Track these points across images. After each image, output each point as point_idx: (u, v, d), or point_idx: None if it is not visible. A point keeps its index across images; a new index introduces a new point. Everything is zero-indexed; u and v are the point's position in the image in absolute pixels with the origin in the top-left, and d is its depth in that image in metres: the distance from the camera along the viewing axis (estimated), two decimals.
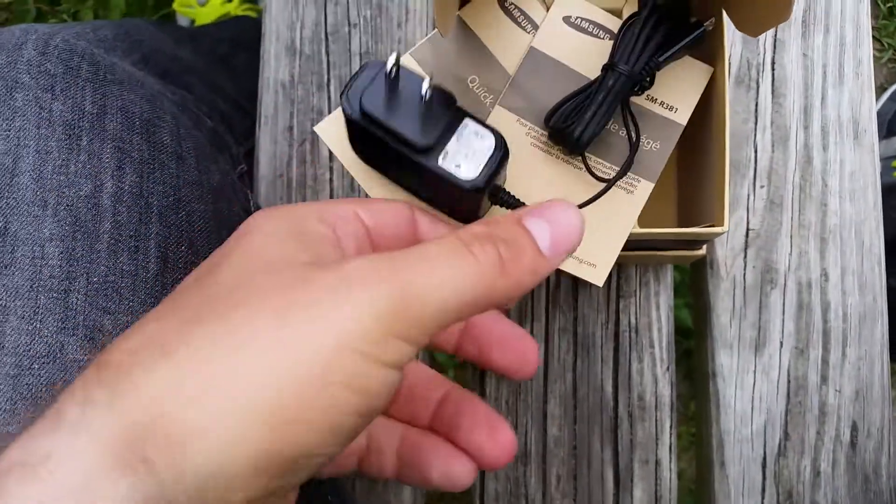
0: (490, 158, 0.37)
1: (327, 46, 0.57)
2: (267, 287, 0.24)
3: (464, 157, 0.37)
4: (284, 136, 0.56)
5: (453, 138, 0.37)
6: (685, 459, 0.98)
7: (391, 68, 0.37)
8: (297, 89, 0.56)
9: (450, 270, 0.24)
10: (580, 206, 0.40)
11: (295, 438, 0.22)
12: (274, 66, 0.57)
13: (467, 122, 0.38)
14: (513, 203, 0.40)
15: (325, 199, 0.30)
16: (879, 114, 1.08)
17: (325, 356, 0.22)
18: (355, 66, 0.56)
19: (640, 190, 0.43)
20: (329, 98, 0.56)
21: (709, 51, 0.45)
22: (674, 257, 0.50)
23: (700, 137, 0.46)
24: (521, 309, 0.53)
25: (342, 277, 0.23)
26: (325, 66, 0.57)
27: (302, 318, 0.23)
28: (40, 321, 0.35)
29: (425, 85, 0.36)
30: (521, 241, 0.26)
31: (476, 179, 0.37)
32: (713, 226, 0.42)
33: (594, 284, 0.42)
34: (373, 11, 0.57)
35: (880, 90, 1.09)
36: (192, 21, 1.02)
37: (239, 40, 0.85)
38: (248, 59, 0.83)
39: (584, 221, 0.28)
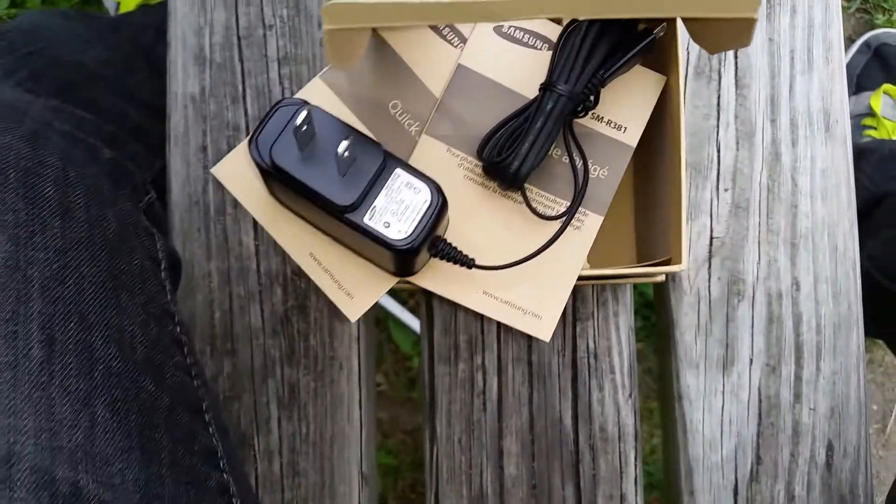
0: (425, 215, 0.33)
1: (240, 52, 0.50)
2: None
3: (393, 213, 0.33)
4: (198, 156, 0.50)
5: (381, 192, 0.33)
6: (657, 436, 0.96)
7: (301, 124, 0.32)
8: (210, 103, 0.50)
9: None
10: (524, 261, 0.36)
11: None
12: (181, 79, 0.51)
13: (398, 172, 0.33)
14: (455, 256, 0.35)
15: None
16: (848, 67, 1.03)
17: None
18: (273, 74, 0.50)
19: (588, 225, 0.38)
20: (245, 112, 0.50)
21: (661, 57, 0.40)
22: (632, 281, 0.46)
23: (654, 156, 0.41)
24: (471, 337, 0.49)
25: None
26: (238, 75, 0.50)
27: None
28: None
29: (342, 146, 0.31)
30: None
31: (409, 239, 0.33)
32: (669, 262, 0.38)
33: (540, 339, 0.38)
34: (290, 11, 0.51)
35: (848, 42, 1.04)
36: (118, 4, 0.94)
37: (163, 28, 0.78)
38: None
39: None
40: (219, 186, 0.50)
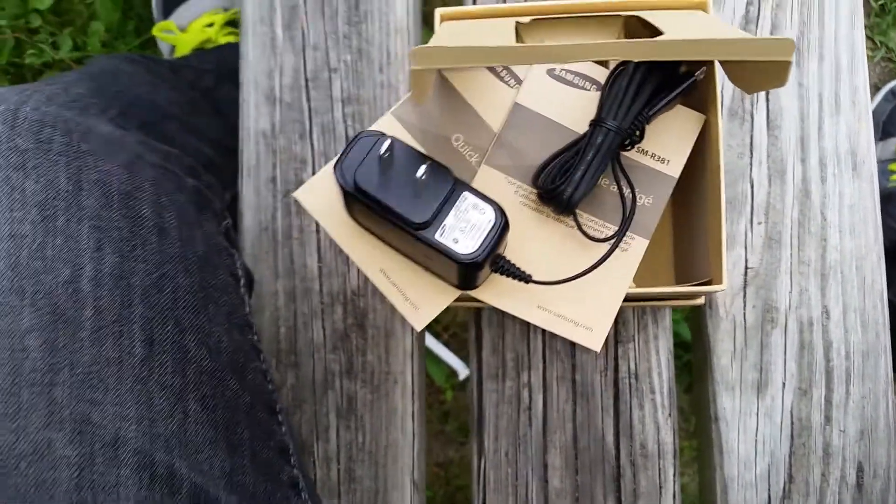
0: (489, 233, 0.37)
1: (308, 93, 0.55)
2: None
3: (461, 231, 0.36)
4: (268, 187, 0.55)
5: (451, 212, 0.37)
6: (688, 475, 0.98)
7: (384, 152, 0.36)
8: (279, 139, 0.55)
9: None
10: (578, 276, 0.39)
11: None
12: (254, 116, 0.55)
13: (466, 194, 0.37)
14: (514, 272, 0.39)
15: None
16: (874, 114, 1.07)
17: None
18: (337, 113, 0.55)
19: (634, 248, 0.42)
20: (312, 146, 0.55)
21: (701, 98, 0.43)
22: (672, 304, 0.49)
23: (694, 187, 0.44)
24: (518, 356, 0.52)
25: None
26: (306, 113, 0.55)
27: None
28: (24, 418, 0.34)
29: (421, 170, 0.35)
30: None
31: (475, 254, 0.36)
32: (710, 282, 0.41)
33: (591, 349, 0.41)
34: (353, 56, 0.55)
35: (874, 90, 1.08)
36: (173, 47, 1.00)
37: (222, 71, 0.84)
38: (233, 93, 0.81)
39: None
40: (286, 213, 0.54)
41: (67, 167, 0.40)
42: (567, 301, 0.40)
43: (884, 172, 1.04)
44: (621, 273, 0.41)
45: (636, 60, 0.38)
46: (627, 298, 0.42)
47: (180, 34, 1.00)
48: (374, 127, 0.43)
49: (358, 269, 0.52)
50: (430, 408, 1.06)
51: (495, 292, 0.40)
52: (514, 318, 0.52)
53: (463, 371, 1.02)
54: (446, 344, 1.04)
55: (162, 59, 0.88)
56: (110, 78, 0.59)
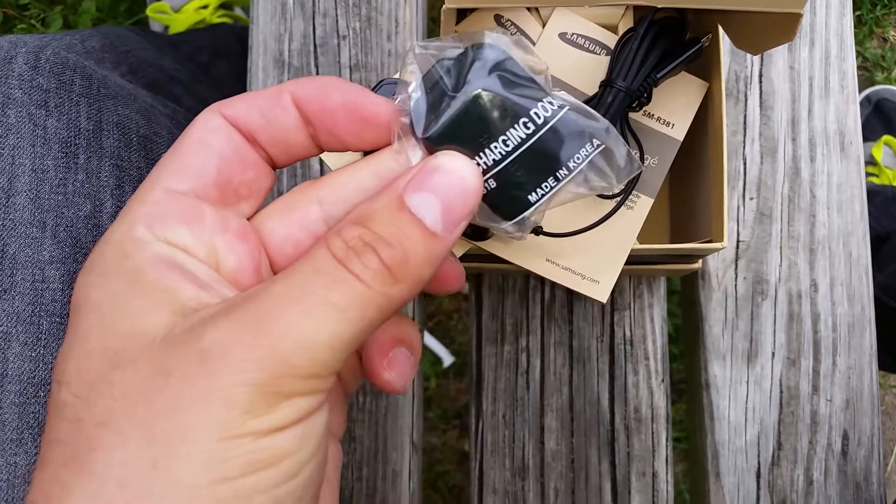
0: None
1: (316, 59, 0.56)
2: (121, 407, 0.20)
3: None
4: None
5: None
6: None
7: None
8: None
9: (329, 307, 0.20)
10: (586, 230, 0.40)
11: None
12: (262, 79, 0.56)
13: None
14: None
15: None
16: None
17: (210, 470, 0.19)
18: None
19: (640, 206, 0.43)
20: None
21: (705, 66, 0.45)
22: (668, 270, 0.51)
23: (695, 152, 0.46)
24: (517, 321, 0.53)
25: (203, 361, 0.20)
26: None
27: (172, 435, 0.19)
28: (43, 347, 0.34)
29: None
30: (406, 231, 0.22)
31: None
32: (711, 241, 0.42)
33: (598, 301, 0.42)
34: (362, 24, 0.56)
35: None
36: (166, 28, 1.01)
37: (218, 49, 0.84)
38: (228, 69, 0.81)
39: (478, 175, 0.24)
40: (292, 175, 0.55)
41: (89, 108, 0.40)
42: (574, 255, 0.41)
43: None
44: (627, 229, 0.42)
45: (658, 5, 0.39)
46: (630, 257, 0.43)
47: (174, 14, 1.00)
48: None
49: None
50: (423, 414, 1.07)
51: (506, 246, 0.41)
52: (513, 283, 0.53)
53: (447, 359, 1.03)
54: (431, 332, 1.04)
55: (160, 34, 0.88)
56: (119, 39, 0.59)
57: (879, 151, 1.07)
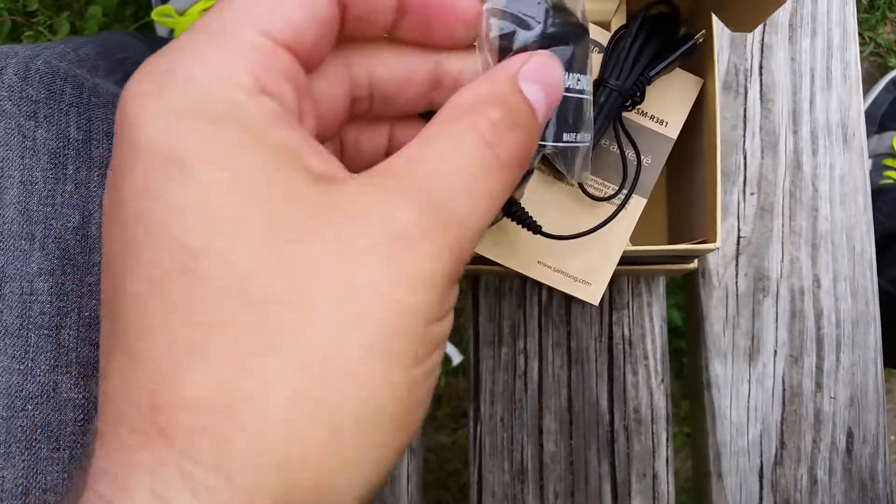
0: None
1: None
2: (266, 277, 0.18)
3: None
4: None
5: None
6: (679, 458, 0.98)
7: None
8: None
9: (493, 201, 0.21)
10: (586, 233, 0.40)
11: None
12: None
13: None
14: (525, 219, 0.39)
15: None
16: (873, 105, 1.08)
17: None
18: None
19: (632, 206, 0.42)
20: None
21: (698, 62, 0.44)
22: (665, 270, 0.50)
23: (689, 150, 0.45)
24: (514, 323, 0.53)
25: (395, 243, 0.19)
26: None
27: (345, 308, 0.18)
28: (31, 360, 0.35)
29: None
30: (529, 117, 0.22)
31: None
32: (705, 241, 0.42)
33: (589, 303, 0.42)
34: None
35: (865, 86, 1.09)
36: (171, 31, 1.01)
37: None
38: None
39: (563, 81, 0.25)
40: None
41: (78, 117, 0.40)
42: (566, 257, 0.41)
43: (877, 167, 1.05)
44: (619, 230, 0.42)
45: None
46: (624, 258, 0.43)
47: (178, 18, 1.01)
48: None
49: None
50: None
51: (497, 248, 0.41)
52: (510, 285, 0.53)
53: (456, 357, 1.02)
54: None
55: (164, 38, 0.88)
56: (116, 46, 0.60)
57: None
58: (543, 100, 0.23)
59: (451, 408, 1.02)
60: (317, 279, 0.18)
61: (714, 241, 0.41)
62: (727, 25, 0.42)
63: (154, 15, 1.02)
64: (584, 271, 0.41)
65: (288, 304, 0.18)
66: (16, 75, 0.39)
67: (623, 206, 0.41)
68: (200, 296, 0.18)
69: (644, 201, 0.42)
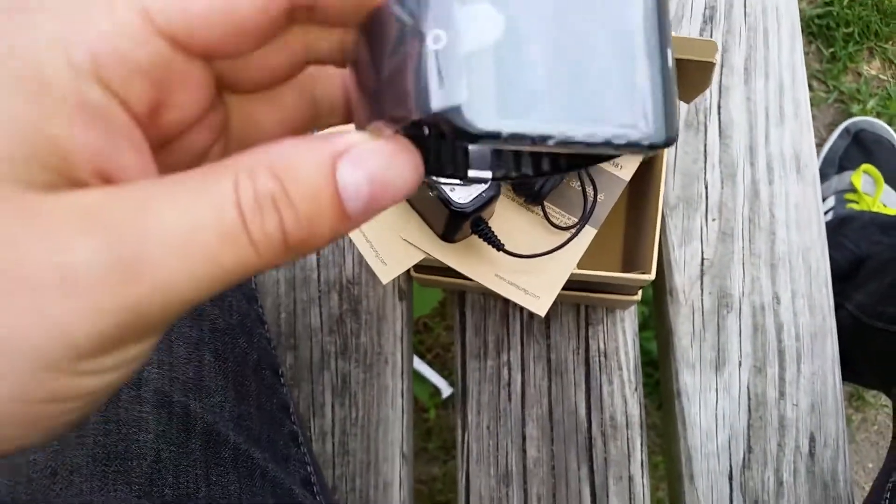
0: (482, 194, 0.42)
1: None
2: None
3: (458, 183, 0.42)
4: None
5: None
6: (661, 489, 1.01)
7: None
8: None
9: (215, 268, 0.17)
10: (543, 254, 0.45)
11: None
12: None
13: None
14: (490, 237, 0.44)
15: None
16: (831, 150, 1.15)
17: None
18: None
19: (584, 235, 0.47)
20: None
21: None
22: (610, 300, 0.54)
23: (642, 193, 0.51)
24: (498, 337, 0.57)
25: (65, 275, 0.16)
26: None
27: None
28: None
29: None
30: (323, 208, 0.18)
31: (466, 205, 0.42)
32: (643, 272, 0.47)
33: (536, 314, 0.46)
34: None
35: (829, 129, 1.16)
36: None
37: None
38: None
39: (420, 167, 0.19)
40: None
41: None
42: (521, 272, 0.46)
43: (840, 202, 1.11)
44: (570, 254, 0.46)
45: None
46: (573, 282, 0.48)
47: None
48: None
49: (353, 258, 0.57)
50: (414, 426, 1.10)
51: (462, 260, 0.46)
52: (494, 303, 0.57)
53: (446, 390, 1.06)
54: (430, 364, 1.08)
55: None
56: None
57: (859, 179, 1.11)
58: (367, 191, 0.18)
59: (441, 440, 1.05)
60: None
61: (649, 272, 0.46)
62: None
63: None
64: (535, 286, 0.46)
65: None
66: None
67: (577, 233, 0.46)
68: None
69: (594, 231, 0.47)
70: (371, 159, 0.18)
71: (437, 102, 0.16)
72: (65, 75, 0.17)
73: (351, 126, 0.21)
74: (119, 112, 0.18)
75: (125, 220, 0.17)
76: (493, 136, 0.17)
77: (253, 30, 0.18)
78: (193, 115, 0.20)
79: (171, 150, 0.21)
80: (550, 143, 0.17)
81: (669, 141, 0.18)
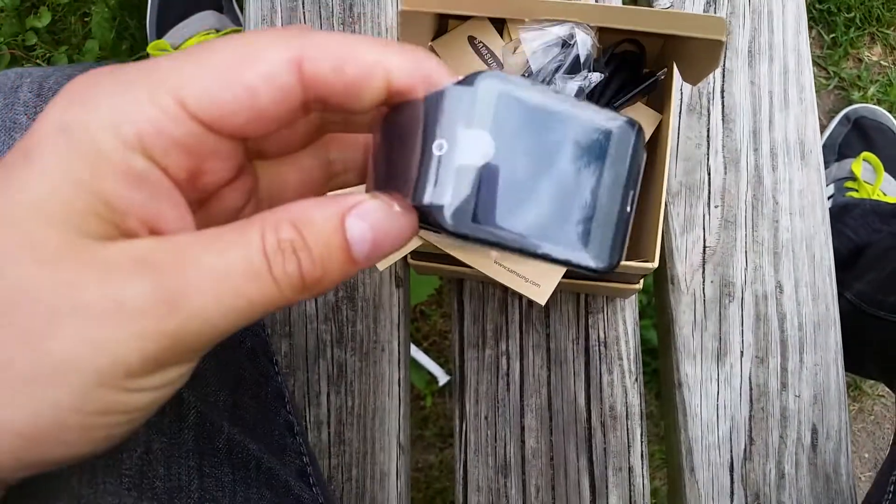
0: None
1: None
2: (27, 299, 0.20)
3: None
4: None
5: None
6: (658, 478, 1.01)
7: None
8: None
9: (242, 301, 0.21)
10: None
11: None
12: None
13: None
14: None
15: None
16: (830, 137, 1.14)
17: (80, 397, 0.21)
18: None
19: None
20: None
21: (659, 101, 0.49)
22: (611, 289, 0.53)
23: (645, 179, 0.49)
24: (497, 326, 0.56)
25: (110, 308, 0.20)
26: None
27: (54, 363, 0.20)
28: None
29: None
30: (333, 252, 0.22)
31: None
32: (646, 261, 0.45)
33: (536, 302, 0.45)
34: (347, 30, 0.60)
35: (829, 115, 1.15)
36: None
37: None
38: None
39: (415, 223, 0.23)
40: None
41: None
42: (520, 260, 0.45)
43: (840, 190, 1.10)
44: None
45: (592, 24, 0.43)
46: (574, 271, 0.46)
47: (173, 52, 1.05)
48: None
49: None
50: (410, 414, 1.09)
51: (462, 249, 0.44)
52: (493, 291, 0.56)
53: (443, 378, 1.05)
54: (426, 351, 1.07)
55: None
56: None
57: (859, 167, 1.10)
58: (370, 241, 0.22)
59: (437, 428, 1.04)
60: (34, 302, 0.20)
61: (652, 260, 0.44)
62: (681, 75, 0.46)
63: (150, 49, 1.06)
64: (536, 274, 0.45)
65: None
66: (30, 92, 0.43)
67: None
68: None
69: None
70: (374, 213, 0.22)
71: (427, 198, 0.21)
72: (116, 148, 0.21)
73: (359, 188, 0.26)
74: (161, 177, 0.22)
75: (168, 264, 0.21)
76: (463, 236, 0.21)
77: (273, 119, 0.22)
78: (225, 179, 0.25)
79: (209, 210, 0.26)
80: (511, 250, 0.22)
81: (612, 268, 0.22)
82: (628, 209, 0.22)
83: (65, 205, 0.21)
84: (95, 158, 0.21)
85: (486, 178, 0.21)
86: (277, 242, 0.21)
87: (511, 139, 0.21)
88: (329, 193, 0.26)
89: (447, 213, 0.21)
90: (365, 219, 0.22)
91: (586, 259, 0.22)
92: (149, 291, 0.20)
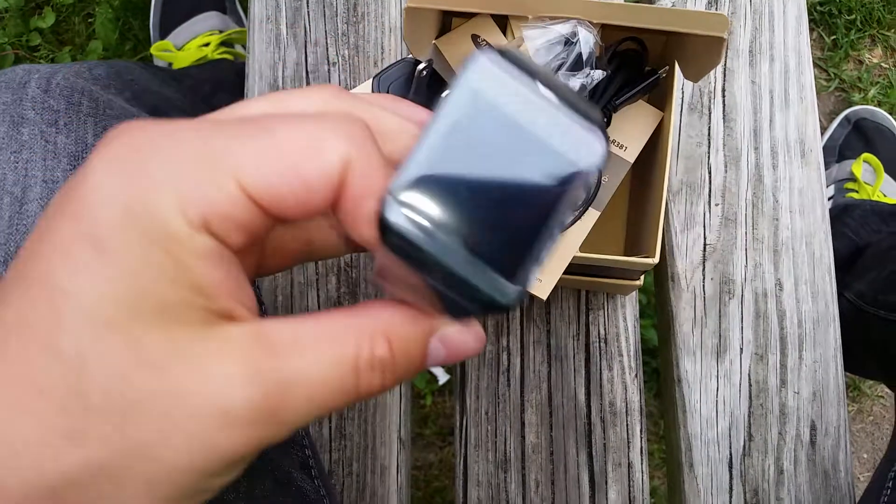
0: None
1: (308, 83, 0.60)
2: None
3: None
4: None
5: None
6: (657, 476, 1.01)
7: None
8: None
9: (324, 411, 0.23)
10: None
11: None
12: None
13: None
14: None
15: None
16: (831, 139, 1.14)
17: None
18: None
19: (587, 217, 0.46)
20: None
21: (660, 98, 0.49)
22: (612, 285, 0.54)
23: (647, 176, 0.50)
24: (498, 324, 0.56)
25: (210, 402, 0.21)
26: None
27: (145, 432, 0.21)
28: None
29: None
30: (413, 367, 0.24)
31: None
32: (647, 257, 0.46)
33: (537, 298, 0.46)
34: (350, 51, 0.60)
35: (830, 117, 1.15)
36: (170, 65, 1.05)
37: (219, 82, 0.89)
38: (229, 100, 0.86)
39: (483, 342, 0.25)
40: None
41: (95, 126, 0.44)
42: None
43: (840, 191, 1.11)
44: (573, 237, 0.46)
45: (594, 20, 0.43)
46: (575, 266, 0.47)
47: (177, 52, 1.05)
48: (355, 90, 0.48)
49: None
50: (411, 409, 1.09)
51: None
52: None
53: (442, 377, 1.05)
54: None
55: (165, 68, 0.93)
56: (125, 69, 0.64)
57: (859, 168, 1.11)
58: (443, 356, 0.24)
59: (437, 426, 1.04)
60: (147, 396, 0.20)
61: (653, 256, 0.45)
62: (683, 73, 0.47)
63: (153, 50, 1.07)
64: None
65: (105, 409, 0.20)
66: (38, 88, 0.43)
67: (580, 215, 0.45)
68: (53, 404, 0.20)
69: (598, 214, 0.47)
70: (454, 338, 0.24)
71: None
72: (189, 233, 0.21)
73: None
74: (231, 255, 0.22)
75: (273, 370, 0.21)
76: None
77: (317, 210, 0.23)
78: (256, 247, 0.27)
79: None
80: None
81: (519, 302, 0.22)
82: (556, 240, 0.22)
83: (160, 301, 0.20)
84: (172, 245, 0.20)
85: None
86: (370, 360, 0.22)
87: (473, 161, 0.20)
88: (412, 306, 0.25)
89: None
90: (446, 343, 0.24)
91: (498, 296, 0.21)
92: (255, 403, 0.21)
